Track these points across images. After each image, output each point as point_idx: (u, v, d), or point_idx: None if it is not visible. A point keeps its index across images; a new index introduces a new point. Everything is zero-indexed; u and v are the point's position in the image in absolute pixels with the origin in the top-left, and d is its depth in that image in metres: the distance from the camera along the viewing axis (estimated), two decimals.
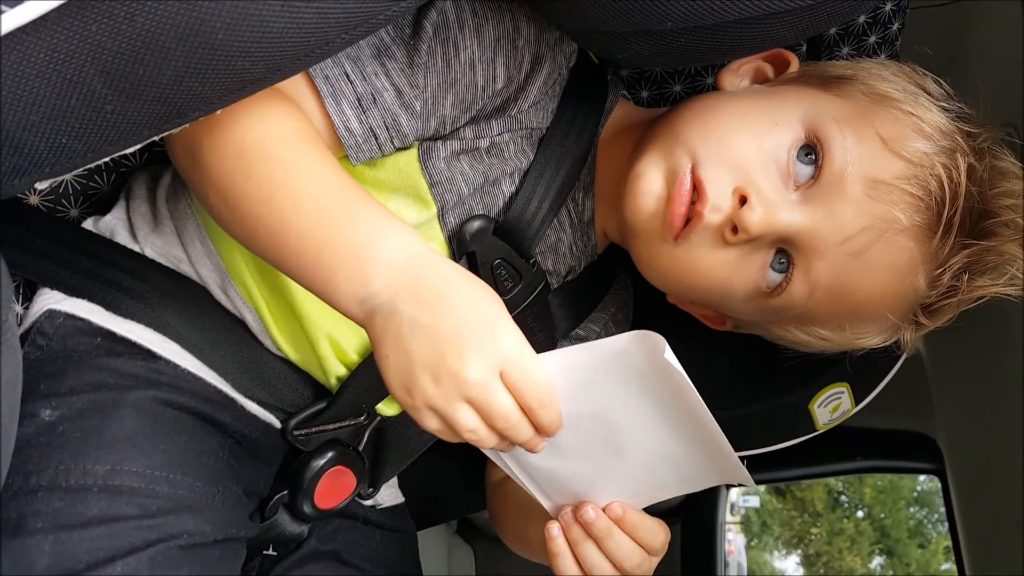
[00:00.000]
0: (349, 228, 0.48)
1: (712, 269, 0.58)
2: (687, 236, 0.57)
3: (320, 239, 0.48)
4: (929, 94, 0.60)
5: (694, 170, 0.56)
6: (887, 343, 0.63)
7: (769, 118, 0.57)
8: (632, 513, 0.55)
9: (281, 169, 0.50)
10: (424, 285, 0.47)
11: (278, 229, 0.49)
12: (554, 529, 0.55)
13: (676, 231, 0.57)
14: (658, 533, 0.55)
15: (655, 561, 0.56)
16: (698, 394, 0.47)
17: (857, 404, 0.80)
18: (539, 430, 0.48)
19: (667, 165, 0.58)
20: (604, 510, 0.54)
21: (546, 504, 0.56)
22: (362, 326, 0.48)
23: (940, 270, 0.57)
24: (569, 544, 0.55)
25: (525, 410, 0.47)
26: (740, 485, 0.56)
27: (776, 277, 0.58)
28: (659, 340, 0.45)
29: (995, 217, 0.57)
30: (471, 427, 0.47)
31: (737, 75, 0.64)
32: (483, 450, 0.51)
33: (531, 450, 0.49)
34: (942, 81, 0.62)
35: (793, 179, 0.56)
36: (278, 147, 0.50)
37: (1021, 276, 0.59)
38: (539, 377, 0.47)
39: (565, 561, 0.55)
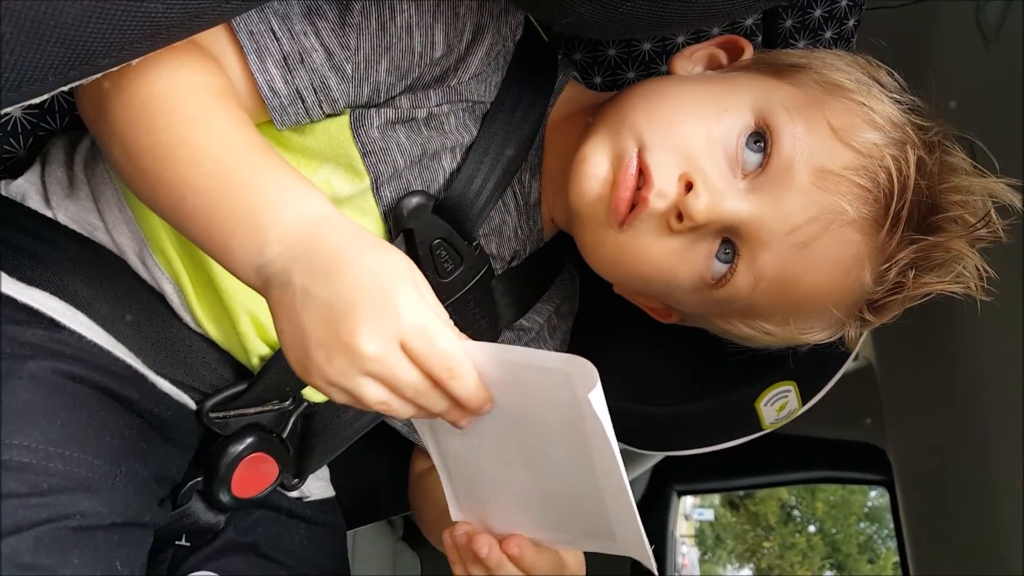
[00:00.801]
0: (248, 189, 0.45)
1: (657, 257, 0.57)
2: (632, 223, 0.55)
3: (217, 200, 0.45)
4: (882, 85, 0.59)
5: (640, 154, 0.55)
6: (832, 339, 0.62)
7: (719, 104, 0.56)
8: (530, 553, 0.52)
9: (184, 124, 0.47)
10: (320, 252, 0.43)
11: (176, 188, 0.46)
12: (447, 539, 0.54)
13: (621, 216, 0.55)
14: (562, 567, 0.54)
15: None
16: (616, 448, 0.44)
17: (804, 403, 0.79)
18: (458, 403, 0.45)
19: (613, 148, 0.56)
20: (501, 543, 0.52)
21: (451, 503, 0.53)
22: (263, 295, 0.45)
23: (886, 265, 0.56)
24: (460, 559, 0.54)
25: (436, 382, 0.44)
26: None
27: (721, 268, 0.57)
28: (590, 373, 0.42)
29: (943, 212, 0.56)
30: (378, 399, 0.44)
31: (690, 61, 0.63)
32: (414, 421, 0.48)
33: (455, 425, 0.46)
34: (895, 73, 0.61)
35: (741, 167, 0.55)
36: (185, 100, 0.47)
37: (967, 274, 0.58)
38: (447, 345, 0.43)
39: (459, 571, 0.55)
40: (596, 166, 0.56)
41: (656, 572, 0.50)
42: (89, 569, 0.47)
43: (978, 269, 0.57)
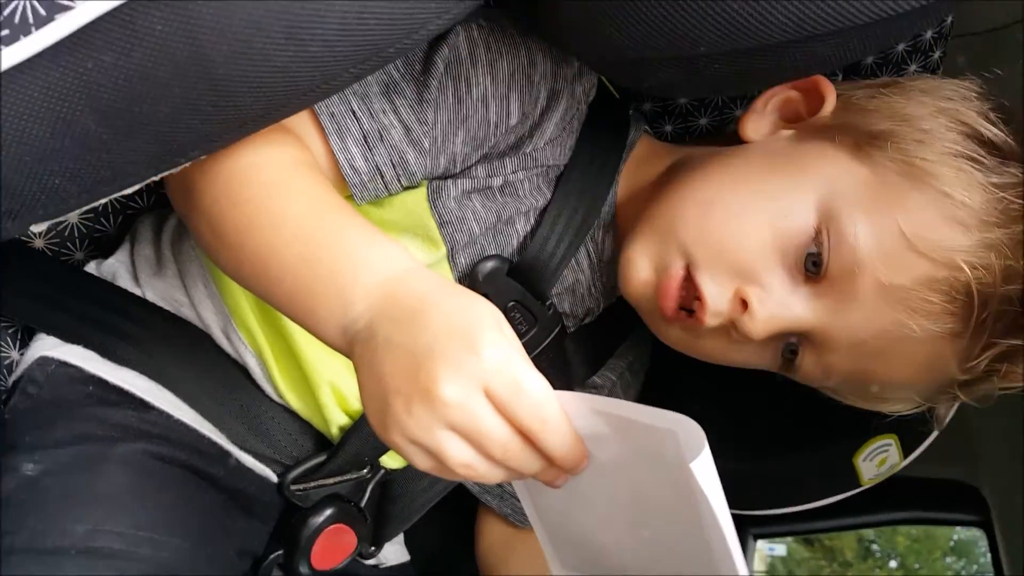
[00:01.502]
0: (331, 252, 0.44)
1: (719, 353, 0.57)
2: (691, 328, 0.55)
3: (301, 265, 0.45)
4: (982, 148, 0.52)
5: (690, 272, 0.54)
6: (920, 410, 0.60)
7: (781, 206, 0.52)
8: None
9: (268, 193, 0.47)
10: (402, 302, 0.41)
11: (261, 255, 0.46)
12: None
13: (669, 318, 0.55)
14: None
15: None
16: (726, 519, 0.39)
17: (906, 456, 0.75)
18: (553, 461, 0.40)
19: (657, 258, 0.56)
20: None
21: (552, 563, 0.50)
22: (348, 358, 0.44)
23: (972, 364, 0.52)
24: None
25: (526, 433, 0.39)
26: None
27: (789, 359, 0.56)
28: (696, 436, 0.37)
29: None
30: (464, 461, 0.39)
31: (763, 116, 0.58)
32: (514, 484, 0.45)
33: (550, 484, 0.42)
34: (998, 122, 0.54)
35: (803, 271, 0.52)
36: (268, 173, 0.48)
37: None
38: (536, 391, 0.39)
39: None
40: (640, 271, 0.56)
41: None
42: None
43: None
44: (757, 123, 0.58)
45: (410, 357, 0.39)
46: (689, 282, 0.54)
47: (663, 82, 0.51)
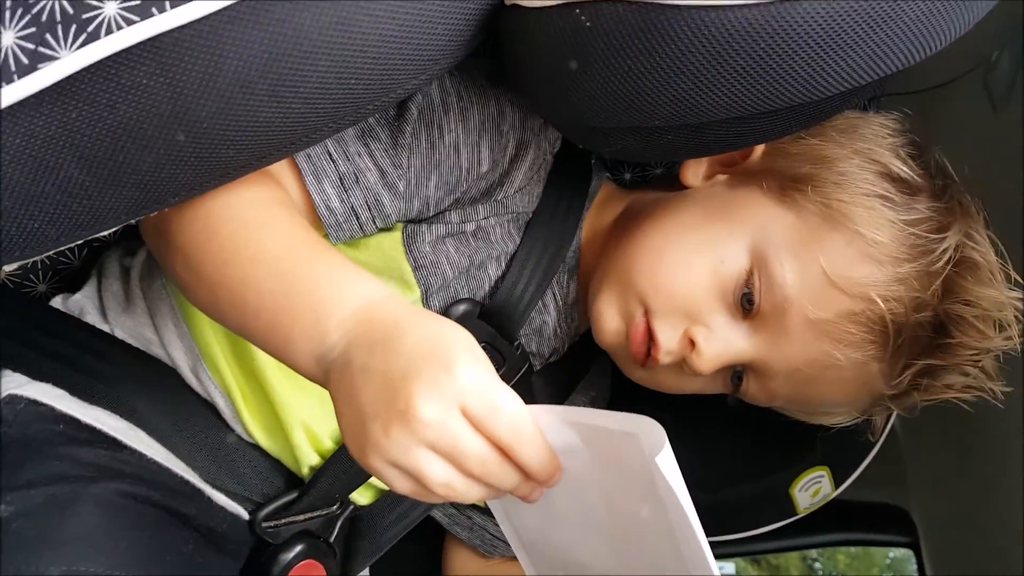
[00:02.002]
0: (308, 284, 0.46)
1: (678, 386, 0.63)
2: (650, 366, 0.60)
3: (278, 297, 0.46)
4: (892, 188, 0.56)
5: (647, 318, 0.59)
6: (858, 421, 0.65)
7: (716, 254, 0.57)
8: None
9: (244, 229, 0.48)
10: (377, 329, 0.43)
11: (238, 290, 0.47)
12: None
13: (641, 361, 0.60)
14: None
15: None
16: (691, 511, 0.41)
17: (837, 487, 0.80)
18: (528, 474, 0.42)
19: (622, 309, 0.61)
20: None
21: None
22: (327, 388, 0.45)
23: (897, 380, 0.57)
24: None
25: (503, 449, 0.40)
26: None
27: (736, 383, 0.62)
28: (657, 434, 0.39)
29: (950, 337, 0.56)
30: (443, 480, 0.40)
31: (701, 163, 0.63)
32: (489, 502, 0.46)
33: (525, 499, 0.43)
34: (913, 154, 0.59)
35: (741, 309, 0.57)
36: (246, 210, 0.49)
37: (976, 383, 0.59)
38: (511, 408, 0.40)
39: None
40: (609, 322, 0.61)
41: None
42: None
43: (987, 373, 0.58)
44: (696, 169, 0.63)
45: (386, 381, 0.40)
46: (648, 332, 0.59)
47: (621, 148, 0.55)
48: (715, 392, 0.63)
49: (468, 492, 0.41)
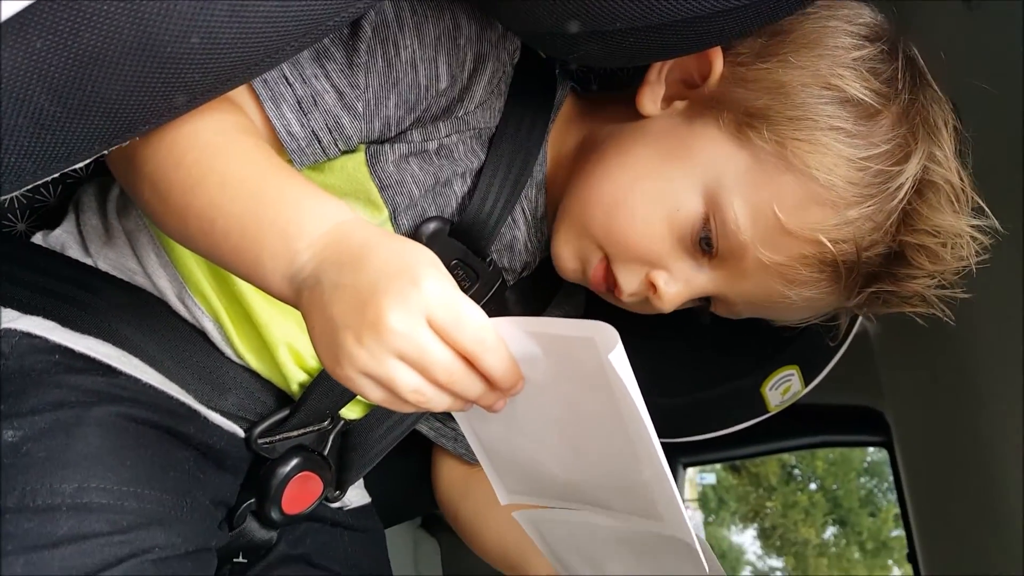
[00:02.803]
0: (275, 207, 0.47)
1: (647, 312, 0.65)
2: (616, 299, 0.63)
3: (246, 219, 0.47)
4: (850, 117, 0.55)
5: (607, 263, 0.61)
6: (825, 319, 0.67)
7: (671, 202, 0.58)
8: None
9: (210, 155, 0.49)
10: (346, 248, 0.44)
11: (206, 213, 0.47)
12: None
13: (603, 291, 0.63)
14: None
15: None
16: (643, 410, 0.43)
17: (807, 385, 0.83)
18: (492, 383, 0.44)
19: (579, 252, 0.63)
20: None
21: (498, 489, 0.54)
22: (297, 308, 0.46)
23: (855, 301, 0.60)
24: None
25: (467, 358, 0.42)
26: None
27: (704, 304, 0.64)
28: (610, 335, 0.41)
29: (905, 265, 0.57)
30: (413, 387, 0.42)
31: (658, 86, 0.61)
32: (456, 417, 0.48)
33: (490, 409, 0.45)
34: (879, 63, 0.56)
35: (700, 250, 0.59)
36: (211, 136, 0.49)
37: (932, 301, 0.60)
38: (475, 319, 0.42)
39: None
40: (567, 262, 0.64)
41: (705, 560, 0.50)
42: None
43: (947, 286, 0.59)
44: (653, 94, 0.61)
45: (356, 295, 0.42)
46: (608, 270, 0.61)
47: (584, 54, 0.55)
48: (688, 308, 0.65)
49: (436, 400, 0.43)
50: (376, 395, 0.43)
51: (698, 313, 0.66)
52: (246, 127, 0.52)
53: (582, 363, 0.43)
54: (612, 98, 0.67)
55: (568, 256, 0.63)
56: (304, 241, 0.45)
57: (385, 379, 0.42)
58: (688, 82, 0.61)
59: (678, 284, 0.60)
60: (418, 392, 0.42)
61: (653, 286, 0.60)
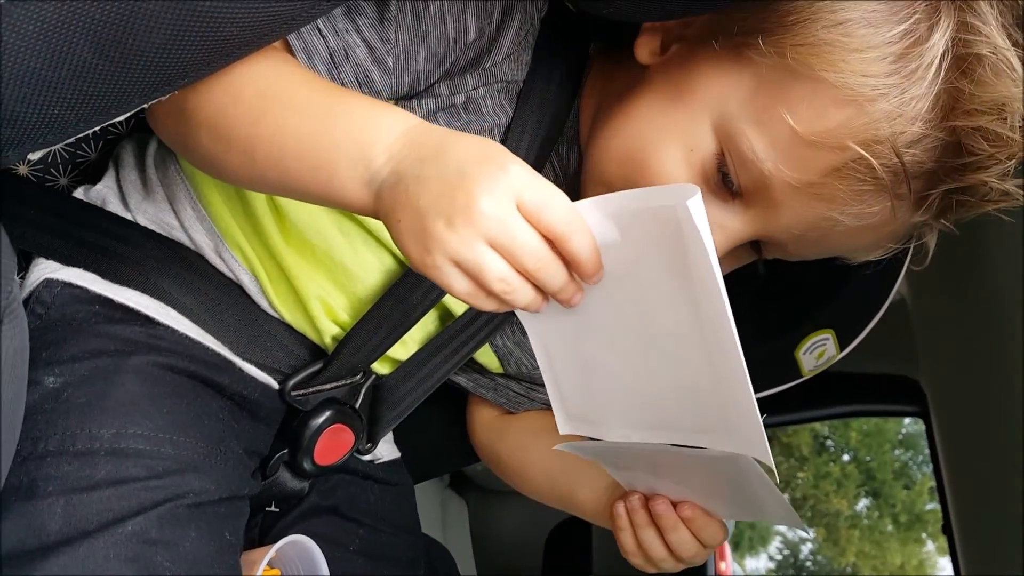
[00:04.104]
0: (344, 118, 0.47)
1: None
2: None
3: (317, 135, 0.47)
4: (857, 6, 0.48)
5: None
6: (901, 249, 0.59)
7: (683, 143, 0.54)
8: (700, 516, 0.58)
9: (270, 86, 0.49)
10: (424, 145, 0.45)
11: (276, 139, 0.48)
12: (620, 508, 0.60)
13: None
14: (718, 534, 0.59)
15: (709, 552, 0.60)
16: (720, 281, 0.41)
17: (842, 350, 0.82)
18: (574, 266, 0.43)
19: None
20: (676, 506, 0.58)
21: (559, 416, 0.52)
22: (376, 216, 0.46)
23: (922, 210, 0.52)
24: (631, 524, 0.59)
25: (556, 239, 0.42)
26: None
27: (754, 249, 0.59)
28: (688, 190, 0.39)
29: (968, 154, 0.49)
30: (500, 274, 0.42)
31: (654, 32, 0.58)
32: (523, 322, 0.48)
33: (567, 303, 0.45)
34: None
35: (725, 190, 0.53)
36: (265, 71, 0.50)
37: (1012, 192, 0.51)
38: (563, 200, 0.42)
39: (627, 537, 0.60)
40: None
41: (775, 470, 0.49)
42: (204, 541, 0.52)
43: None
44: (650, 43, 0.58)
45: (444, 183, 0.42)
46: None
47: (616, 8, 0.53)
48: (741, 265, 0.61)
49: (521, 291, 0.43)
50: (461, 286, 0.43)
51: (760, 268, 0.64)
52: (292, 59, 0.53)
53: (660, 239, 0.42)
54: (625, 53, 0.64)
55: None
56: (380, 146, 0.46)
57: (474, 264, 0.42)
58: (682, 23, 0.57)
59: (713, 233, 0.56)
60: (504, 281, 0.43)
61: None
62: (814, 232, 0.53)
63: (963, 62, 0.48)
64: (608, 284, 0.45)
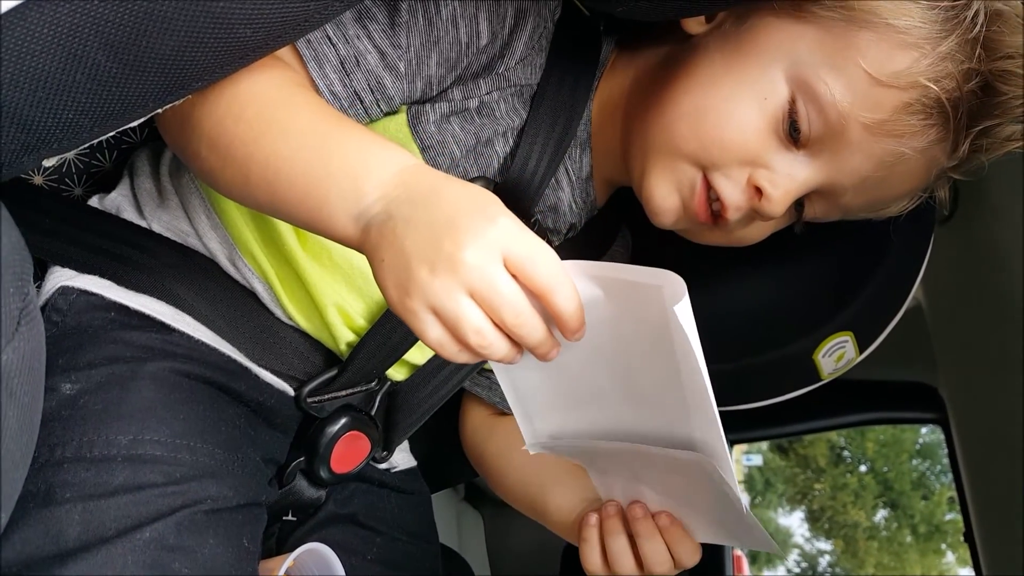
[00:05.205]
0: (341, 150, 0.47)
1: (751, 235, 0.64)
2: (721, 227, 0.61)
3: (312, 164, 0.47)
4: None
5: (706, 178, 0.59)
6: (920, 202, 0.65)
7: (756, 92, 0.56)
8: (679, 528, 0.57)
9: (271, 108, 0.49)
10: (416, 188, 0.44)
11: (270, 162, 0.48)
12: (592, 517, 0.58)
13: (709, 221, 0.61)
14: (693, 553, 0.57)
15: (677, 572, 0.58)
16: (703, 365, 0.42)
17: (862, 352, 0.81)
18: (558, 322, 0.43)
19: (676, 180, 0.60)
20: (654, 516, 0.57)
21: (526, 437, 0.53)
22: (360, 249, 0.46)
23: (960, 151, 0.58)
24: (601, 532, 0.58)
25: (539, 295, 0.42)
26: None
27: (799, 210, 0.62)
28: (678, 286, 0.40)
29: (1001, 95, 0.56)
30: (477, 326, 0.41)
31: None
32: (494, 368, 0.48)
33: (544, 357, 0.44)
34: None
35: (791, 140, 0.57)
36: (270, 91, 0.50)
37: None
38: (550, 256, 0.42)
39: (592, 550, 0.58)
40: (666, 199, 0.61)
41: (742, 501, 0.50)
42: (223, 547, 0.52)
43: None
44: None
45: (432, 230, 0.42)
46: (709, 188, 0.59)
47: (631, 7, 0.54)
48: (783, 227, 0.64)
49: (496, 345, 0.42)
50: (435, 334, 0.43)
51: (796, 229, 0.65)
52: (301, 82, 0.53)
53: (645, 311, 0.42)
54: (649, 36, 0.65)
55: (665, 192, 0.60)
56: (373, 182, 0.45)
57: (452, 314, 0.42)
58: None
59: (783, 181, 0.57)
60: (480, 334, 0.42)
61: (758, 191, 0.57)
62: (877, 173, 0.57)
63: (994, 16, 0.55)
64: (587, 338, 0.44)
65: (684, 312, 0.41)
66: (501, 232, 0.42)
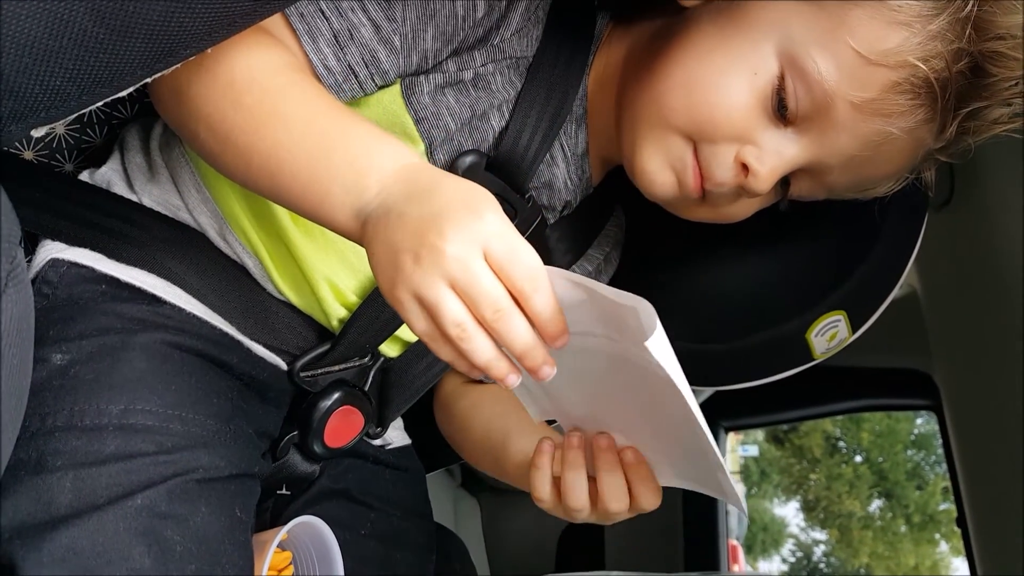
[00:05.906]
0: (344, 143, 0.48)
1: (737, 212, 0.63)
2: (708, 201, 0.61)
3: (316, 157, 0.47)
4: None
5: (695, 155, 0.59)
6: (907, 183, 0.65)
7: (746, 66, 0.56)
8: (644, 467, 0.52)
9: (271, 97, 0.49)
10: (414, 183, 0.45)
11: (272, 153, 0.48)
12: (546, 444, 0.54)
13: (700, 195, 0.61)
14: (654, 497, 0.53)
15: (626, 516, 0.54)
16: (685, 387, 0.42)
17: (855, 331, 0.81)
18: (536, 326, 0.43)
19: (667, 154, 0.60)
20: (620, 452, 0.52)
21: (532, 413, 0.52)
22: (359, 242, 0.47)
23: (947, 132, 0.57)
24: (561, 463, 0.53)
25: (517, 295, 0.42)
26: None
27: (784, 188, 0.62)
28: (650, 316, 0.40)
29: (990, 76, 0.56)
30: (456, 318, 0.42)
31: None
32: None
33: (534, 372, 0.44)
34: None
35: (779, 116, 0.56)
36: (267, 77, 0.50)
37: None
38: (530, 258, 0.42)
39: (543, 477, 0.54)
40: (658, 174, 0.61)
41: (743, 507, 0.50)
42: (215, 516, 0.52)
43: None
44: None
45: (420, 223, 0.43)
46: (698, 163, 0.59)
47: None
48: (769, 204, 0.64)
49: (477, 340, 0.42)
50: (421, 324, 0.43)
51: (781, 206, 0.65)
52: (297, 66, 0.52)
53: (624, 324, 0.43)
54: (643, 9, 0.65)
55: (658, 166, 0.60)
56: (374, 176, 0.46)
57: (432, 303, 0.42)
58: None
59: (770, 158, 0.57)
60: (459, 326, 0.42)
61: (745, 168, 0.57)
62: (864, 152, 0.57)
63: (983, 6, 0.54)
64: (571, 341, 0.44)
65: (658, 344, 0.40)
66: (485, 227, 0.42)
